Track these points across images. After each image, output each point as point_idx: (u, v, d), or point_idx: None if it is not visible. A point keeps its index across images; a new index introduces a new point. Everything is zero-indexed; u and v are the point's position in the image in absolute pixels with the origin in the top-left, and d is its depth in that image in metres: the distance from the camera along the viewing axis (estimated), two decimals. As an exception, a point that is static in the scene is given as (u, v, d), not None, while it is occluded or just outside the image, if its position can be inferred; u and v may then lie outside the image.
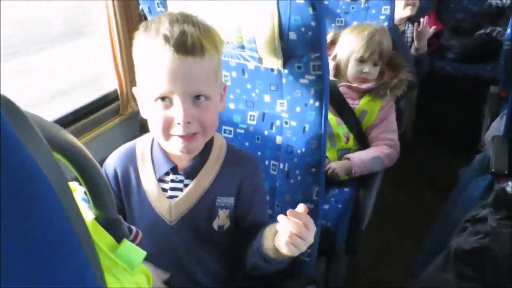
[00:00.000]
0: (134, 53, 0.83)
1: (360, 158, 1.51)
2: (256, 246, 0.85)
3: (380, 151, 1.54)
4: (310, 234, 0.75)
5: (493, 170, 1.27)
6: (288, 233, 0.75)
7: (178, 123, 0.79)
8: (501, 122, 1.75)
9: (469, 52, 2.72)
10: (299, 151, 1.09)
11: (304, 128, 1.08)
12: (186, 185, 0.89)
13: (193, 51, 0.77)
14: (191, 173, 0.89)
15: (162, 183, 0.90)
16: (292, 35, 0.96)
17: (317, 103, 1.05)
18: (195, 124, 0.81)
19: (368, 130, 1.60)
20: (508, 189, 1.07)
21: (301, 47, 0.98)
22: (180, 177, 0.90)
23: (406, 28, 2.45)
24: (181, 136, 0.80)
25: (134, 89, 0.89)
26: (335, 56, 1.65)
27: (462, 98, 2.49)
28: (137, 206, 0.91)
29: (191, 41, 0.76)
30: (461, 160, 1.89)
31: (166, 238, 0.89)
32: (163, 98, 0.79)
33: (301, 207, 0.76)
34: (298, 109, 1.08)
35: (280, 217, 0.76)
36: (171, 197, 0.89)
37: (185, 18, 0.79)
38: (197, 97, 0.80)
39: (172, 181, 0.90)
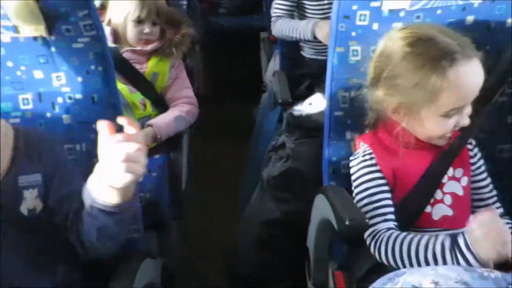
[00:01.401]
0: None
1: (163, 121, 1.48)
2: (88, 206, 0.76)
3: (180, 110, 1.53)
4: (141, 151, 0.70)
5: (280, 101, 1.41)
6: (119, 162, 0.68)
7: None
8: (276, 61, 1.95)
9: (237, 5, 2.93)
10: (94, 126, 0.98)
11: (93, 98, 0.97)
12: None
13: None
14: None
15: None
16: (49, -8, 0.82)
17: (100, 68, 0.95)
18: None
19: (164, 92, 1.56)
20: (295, 113, 1.20)
21: (64, 5, 0.85)
22: None
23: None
24: None
25: None
26: (109, 21, 1.52)
27: (242, 48, 2.68)
28: None
29: None
30: (254, 102, 2.05)
31: None
32: None
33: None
34: (79, 79, 0.95)
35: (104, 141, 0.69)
36: None
37: None
38: None
39: None
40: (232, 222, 1.63)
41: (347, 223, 0.75)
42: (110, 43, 1.48)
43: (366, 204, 0.89)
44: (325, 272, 1.03)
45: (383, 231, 0.86)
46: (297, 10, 1.74)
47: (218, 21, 2.89)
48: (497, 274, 0.63)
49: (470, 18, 0.99)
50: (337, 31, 0.99)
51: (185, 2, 2.34)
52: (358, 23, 0.98)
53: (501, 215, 0.96)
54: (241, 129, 2.10)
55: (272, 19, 1.72)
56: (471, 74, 0.82)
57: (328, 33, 1.49)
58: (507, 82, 0.98)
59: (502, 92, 1.01)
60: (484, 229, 0.73)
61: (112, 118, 0.97)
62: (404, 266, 0.81)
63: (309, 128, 1.17)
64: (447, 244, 0.77)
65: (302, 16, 1.73)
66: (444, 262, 0.76)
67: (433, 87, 0.81)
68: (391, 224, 0.87)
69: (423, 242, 0.81)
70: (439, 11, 0.98)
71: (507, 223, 0.94)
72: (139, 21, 1.50)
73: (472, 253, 0.74)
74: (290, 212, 1.22)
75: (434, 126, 0.86)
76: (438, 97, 0.82)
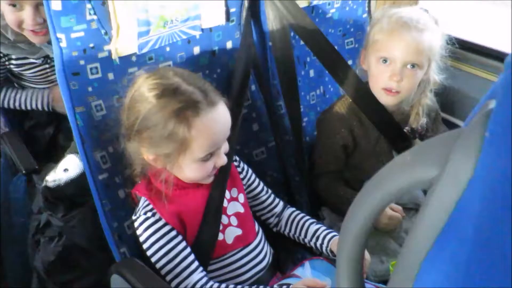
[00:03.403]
0: None
1: None
2: None
3: None
4: None
5: (24, 172, 1.19)
6: None
7: None
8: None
9: None
10: None
11: None
12: None
13: None
14: None
15: None
16: None
17: None
18: None
19: None
20: (50, 184, 1.03)
21: None
22: None
23: None
24: None
25: None
26: None
27: None
28: None
29: None
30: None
31: None
32: None
33: None
34: None
35: None
36: None
37: None
38: None
39: None
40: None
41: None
42: None
43: (166, 264, 0.86)
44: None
45: (199, 284, 0.85)
46: (11, 75, 1.46)
47: None
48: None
49: (196, 49, 1.04)
50: (70, 91, 0.88)
51: None
52: (91, 77, 0.90)
53: (285, 207, 1.09)
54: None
55: None
56: (216, 121, 0.85)
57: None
58: (245, 97, 1.09)
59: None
60: None
61: None
62: None
63: (74, 196, 1.03)
64: None
65: (20, 80, 1.46)
66: None
67: (183, 138, 0.81)
68: (200, 274, 0.87)
69: None
70: (168, 48, 0.99)
71: (294, 211, 1.08)
72: None
73: None
74: (85, 290, 1.07)
75: (193, 171, 0.87)
76: (189, 146, 0.83)
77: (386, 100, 1.11)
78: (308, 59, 1.29)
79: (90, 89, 0.90)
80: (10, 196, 1.50)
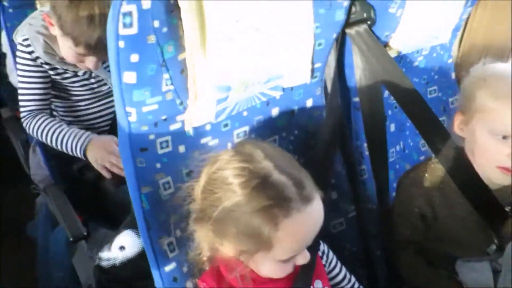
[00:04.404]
0: None
1: None
2: None
3: None
4: None
5: (72, 240, 1.06)
6: None
7: None
8: (38, 155, 1.49)
9: None
10: None
11: None
12: None
13: None
14: None
15: None
16: None
17: None
18: None
19: None
20: (104, 263, 0.90)
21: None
22: None
23: None
24: None
25: None
26: None
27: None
28: None
29: None
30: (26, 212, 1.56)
31: None
32: None
33: None
34: None
35: None
36: None
37: None
38: None
39: None
40: None
41: None
42: None
43: None
44: None
45: None
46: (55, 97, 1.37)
47: None
48: None
49: (275, 110, 0.89)
50: (136, 169, 0.74)
51: None
52: (160, 151, 0.76)
53: None
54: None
55: (23, 114, 1.30)
56: (308, 221, 0.71)
57: (104, 158, 1.18)
58: (332, 168, 0.93)
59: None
60: None
61: None
62: None
63: (131, 279, 0.89)
64: None
65: (65, 99, 1.37)
66: None
67: (267, 239, 0.68)
68: None
69: None
70: (245, 113, 0.85)
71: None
72: None
73: None
74: None
75: (269, 270, 0.74)
76: (272, 247, 0.69)
77: (502, 180, 0.92)
78: (389, 112, 1.13)
79: (158, 165, 0.76)
80: (49, 249, 1.39)
